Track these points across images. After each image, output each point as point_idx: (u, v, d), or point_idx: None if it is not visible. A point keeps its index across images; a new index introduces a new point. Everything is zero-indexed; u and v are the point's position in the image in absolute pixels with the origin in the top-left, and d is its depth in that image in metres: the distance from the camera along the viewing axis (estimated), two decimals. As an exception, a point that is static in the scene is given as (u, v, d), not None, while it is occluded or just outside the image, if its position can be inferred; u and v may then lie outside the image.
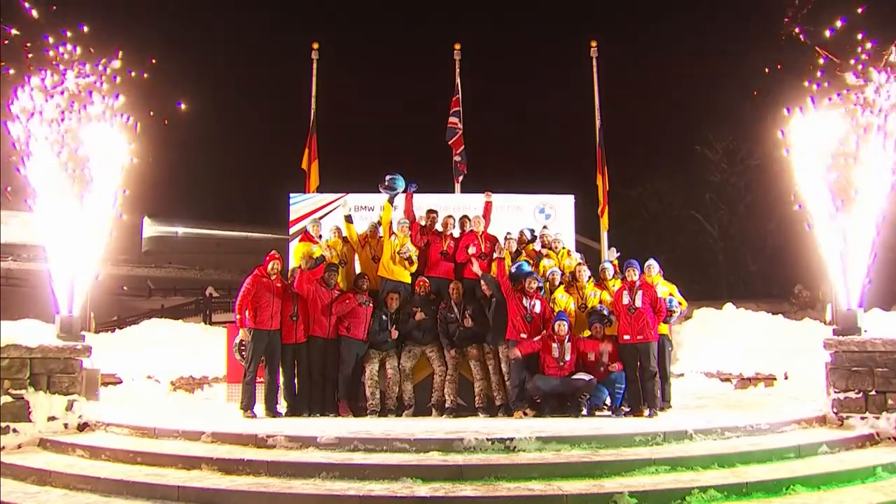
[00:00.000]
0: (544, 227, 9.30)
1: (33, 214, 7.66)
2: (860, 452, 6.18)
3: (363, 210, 10.10)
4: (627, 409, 7.51)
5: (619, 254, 11.04)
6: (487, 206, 8.79)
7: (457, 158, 12.41)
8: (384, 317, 7.77)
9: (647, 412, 7.30)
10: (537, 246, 8.82)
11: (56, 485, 5.51)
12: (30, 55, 7.49)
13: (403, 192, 8.55)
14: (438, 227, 8.63)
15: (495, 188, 9.38)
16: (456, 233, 8.67)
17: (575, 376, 7.32)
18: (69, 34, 7.63)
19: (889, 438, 6.53)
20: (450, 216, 8.70)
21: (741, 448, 5.82)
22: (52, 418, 6.89)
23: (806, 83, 7.77)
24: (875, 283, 7.48)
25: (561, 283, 8.10)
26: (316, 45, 12.66)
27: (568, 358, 7.32)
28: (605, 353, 7.50)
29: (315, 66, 12.60)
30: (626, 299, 7.44)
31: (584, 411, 7.41)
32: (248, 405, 7.44)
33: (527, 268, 7.80)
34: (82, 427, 6.97)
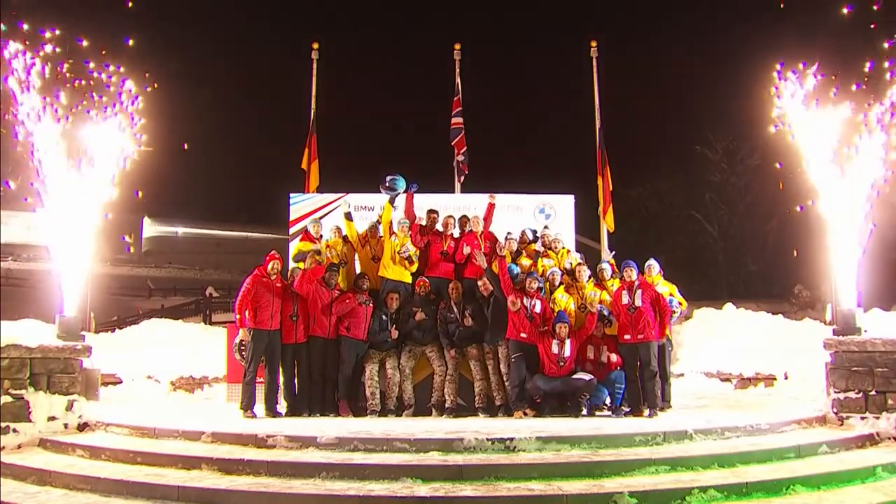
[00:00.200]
0: (545, 227, 9.31)
1: (34, 214, 7.67)
2: (860, 452, 6.17)
3: (363, 210, 10.10)
4: (627, 409, 7.51)
5: (613, 252, 11.04)
6: (490, 208, 8.79)
7: (459, 158, 12.42)
8: (384, 317, 7.77)
9: (647, 412, 7.30)
10: (538, 246, 8.83)
11: (56, 485, 5.51)
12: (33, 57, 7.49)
13: (404, 192, 8.55)
14: (439, 227, 8.63)
15: (495, 188, 9.39)
16: (456, 233, 8.67)
17: (575, 376, 7.32)
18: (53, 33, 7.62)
19: (889, 438, 6.53)
20: (450, 216, 8.71)
21: (741, 448, 5.82)
22: (52, 418, 6.89)
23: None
24: (875, 283, 7.48)
25: (561, 283, 8.10)
26: (316, 45, 12.69)
27: (567, 355, 7.32)
28: (604, 351, 7.52)
29: (315, 66, 12.63)
30: (625, 299, 7.44)
31: (584, 411, 7.41)
32: (248, 405, 7.44)
33: (515, 269, 7.82)
34: (82, 427, 6.96)
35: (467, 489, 4.94)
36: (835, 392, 7.02)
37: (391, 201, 8.40)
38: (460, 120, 12.57)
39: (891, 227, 7.64)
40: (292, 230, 10.36)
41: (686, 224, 32.25)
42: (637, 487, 4.89)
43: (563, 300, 7.89)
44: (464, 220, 8.75)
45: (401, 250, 8.05)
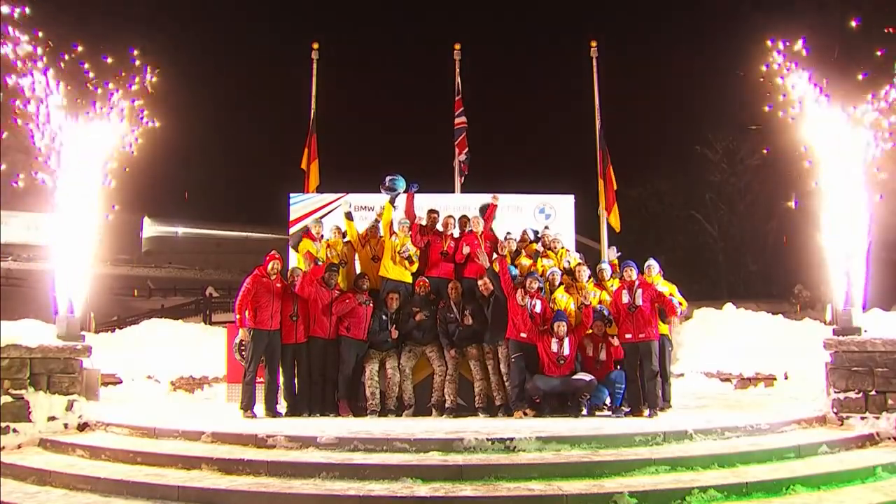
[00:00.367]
0: (545, 227, 9.31)
1: (35, 214, 7.70)
2: (860, 452, 6.18)
3: (363, 210, 10.08)
4: (627, 409, 7.51)
5: (619, 252, 11.04)
6: (492, 209, 8.78)
7: (461, 158, 12.41)
8: (384, 317, 7.77)
9: (647, 412, 7.30)
10: (538, 246, 8.83)
11: (56, 485, 5.51)
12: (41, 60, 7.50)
13: (404, 192, 8.55)
14: (439, 227, 8.63)
15: (495, 188, 9.40)
16: (456, 233, 8.67)
17: (575, 376, 7.32)
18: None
19: (889, 438, 6.53)
20: (450, 216, 8.71)
21: (741, 448, 5.82)
22: (52, 418, 6.89)
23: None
24: (875, 283, 7.48)
25: (561, 283, 8.10)
26: (316, 46, 12.65)
27: (567, 353, 7.32)
28: (603, 348, 7.54)
29: (315, 66, 12.60)
30: (625, 298, 7.44)
31: (584, 411, 7.41)
32: (248, 405, 7.44)
33: (514, 271, 7.84)
34: (82, 427, 6.96)
35: (467, 489, 4.94)
36: (835, 392, 7.01)
37: (391, 201, 8.40)
38: (464, 119, 12.56)
39: (891, 228, 7.63)
40: (292, 230, 10.33)
41: (686, 224, 32.31)
42: (637, 487, 4.89)
43: (563, 300, 7.89)
44: (464, 220, 8.76)
45: (401, 250, 8.06)
